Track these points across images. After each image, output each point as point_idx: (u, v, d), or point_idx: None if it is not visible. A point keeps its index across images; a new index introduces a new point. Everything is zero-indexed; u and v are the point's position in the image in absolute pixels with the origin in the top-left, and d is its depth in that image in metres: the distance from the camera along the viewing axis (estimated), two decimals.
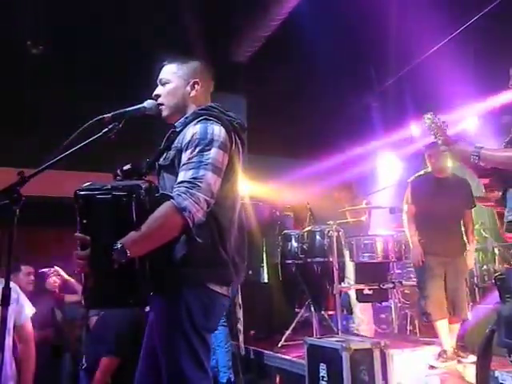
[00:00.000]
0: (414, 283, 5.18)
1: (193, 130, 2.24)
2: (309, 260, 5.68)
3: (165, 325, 2.22)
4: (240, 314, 5.37)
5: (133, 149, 4.69)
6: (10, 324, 3.27)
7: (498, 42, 5.77)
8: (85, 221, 2.10)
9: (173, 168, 2.26)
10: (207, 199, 2.11)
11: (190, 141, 2.21)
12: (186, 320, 2.16)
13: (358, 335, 5.56)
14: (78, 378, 4.93)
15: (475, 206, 4.90)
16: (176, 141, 2.32)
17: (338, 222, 5.64)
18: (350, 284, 5.78)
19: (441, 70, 6.22)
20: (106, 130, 2.26)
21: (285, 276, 6.08)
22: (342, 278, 5.60)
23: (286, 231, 6.18)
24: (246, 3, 7.04)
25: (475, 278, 5.86)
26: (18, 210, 1.97)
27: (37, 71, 6.84)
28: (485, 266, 6.15)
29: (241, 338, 5.40)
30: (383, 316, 6.54)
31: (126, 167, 2.33)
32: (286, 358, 5.00)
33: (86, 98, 6.93)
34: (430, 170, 4.88)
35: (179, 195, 2.08)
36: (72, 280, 5.83)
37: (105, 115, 2.28)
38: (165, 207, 2.07)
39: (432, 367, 4.51)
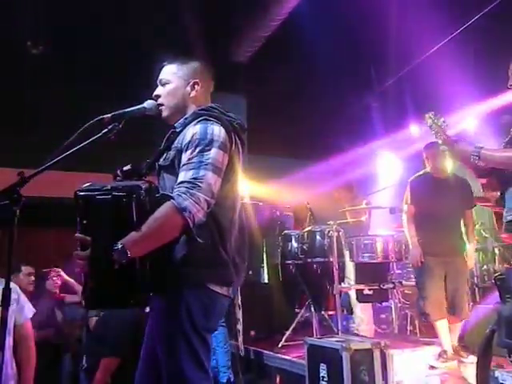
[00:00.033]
0: (414, 283, 5.18)
1: (193, 131, 2.24)
2: (309, 260, 5.68)
3: (165, 325, 2.22)
4: (239, 314, 5.37)
5: (133, 149, 4.70)
6: (11, 324, 3.27)
7: (498, 42, 5.76)
8: (85, 221, 2.10)
9: (173, 168, 2.26)
10: (207, 199, 2.11)
11: (190, 141, 2.21)
12: (186, 320, 2.16)
13: (358, 335, 5.55)
14: (78, 378, 4.94)
15: (475, 205, 4.90)
16: (176, 141, 2.31)
17: (338, 222, 5.64)
18: (350, 284, 5.77)
19: (441, 70, 6.23)
20: (106, 130, 2.26)
21: (285, 276, 6.08)
22: (342, 278, 5.60)
23: (286, 231, 6.17)
24: (245, 3, 7.04)
25: (475, 278, 5.87)
26: (18, 211, 1.97)
27: (37, 71, 6.85)
28: (485, 266, 6.15)
29: (240, 338, 5.40)
30: (383, 316, 6.53)
31: (125, 168, 2.34)
32: (286, 359, 5.00)
33: (86, 98, 6.94)
34: (429, 170, 4.88)
35: (179, 195, 2.07)
36: (72, 281, 5.84)
37: (105, 116, 2.28)
38: (165, 207, 2.07)
39: (432, 367, 4.51)
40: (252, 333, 6.31)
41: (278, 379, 5.12)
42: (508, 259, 6.04)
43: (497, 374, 2.79)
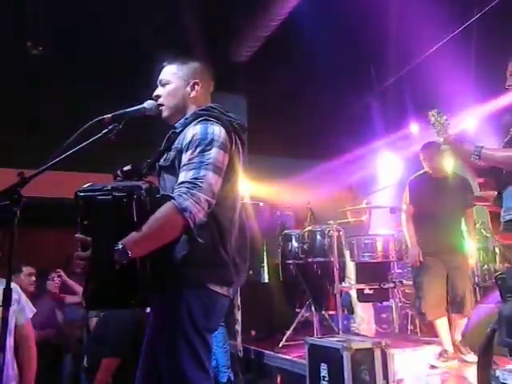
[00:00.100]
0: (412, 283, 5.18)
1: (193, 131, 2.24)
2: (309, 260, 5.68)
3: (165, 325, 2.22)
4: (238, 315, 5.37)
5: (133, 149, 4.70)
6: (12, 324, 3.27)
7: (499, 42, 5.76)
8: (85, 222, 2.10)
9: (173, 169, 2.26)
10: (208, 199, 2.11)
11: (190, 141, 2.21)
12: (186, 320, 2.16)
13: (358, 335, 5.55)
14: (79, 379, 4.94)
15: (475, 204, 4.90)
16: (176, 141, 2.31)
17: (338, 221, 5.64)
18: (350, 284, 5.78)
19: (441, 70, 6.22)
20: (106, 130, 2.26)
21: (285, 276, 6.08)
22: (342, 278, 5.60)
23: (286, 231, 6.17)
24: (245, 3, 7.05)
25: (476, 278, 5.86)
26: (18, 211, 1.97)
27: (37, 72, 6.85)
28: (485, 266, 6.14)
29: (239, 339, 5.40)
30: (384, 316, 6.53)
31: (126, 168, 2.34)
32: (287, 358, 5.00)
33: (86, 98, 6.95)
34: (427, 170, 4.88)
35: (180, 195, 2.07)
36: (72, 282, 5.85)
37: (105, 116, 2.28)
38: (166, 208, 2.07)
39: (433, 367, 4.51)
40: (252, 333, 6.32)
41: (278, 379, 5.12)
42: (509, 258, 6.03)
43: (498, 373, 2.78)
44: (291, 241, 5.91)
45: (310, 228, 5.85)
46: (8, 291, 1.96)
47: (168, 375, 2.19)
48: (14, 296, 3.06)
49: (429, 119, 3.26)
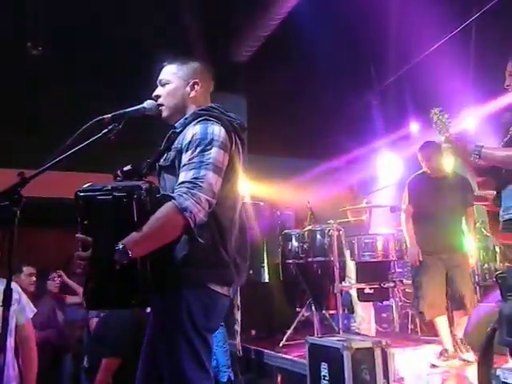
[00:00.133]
0: (411, 282, 5.19)
1: (193, 131, 2.24)
2: (309, 259, 5.68)
3: (166, 325, 2.22)
4: (238, 315, 5.37)
5: (133, 149, 4.70)
6: (12, 325, 3.27)
7: (499, 41, 5.76)
8: (86, 222, 2.10)
9: (173, 169, 2.26)
10: (209, 199, 2.11)
11: (190, 141, 2.21)
12: (186, 320, 2.16)
13: (359, 334, 5.55)
14: (79, 379, 4.94)
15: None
16: (176, 141, 2.31)
17: (338, 221, 5.64)
18: (350, 283, 5.78)
19: (441, 69, 6.22)
20: (106, 130, 2.26)
21: (285, 276, 6.08)
22: (342, 277, 5.60)
23: (286, 231, 6.17)
24: (245, 3, 7.05)
25: (476, 277, 5.85)
26: (18, 211, 1.97)
27: (37, 72, 6.85)
28: (486, 265, 6.13)
29: (238, 339, 5.39)
30: (384, 315, 6.53)
31: (126, 168, 2.34)
32: (288, 358, 5.00)
33: (86, 98, 6.95)
34: (426, 170, 4.88)
35: (180, 195, 2.07)
36: (72, 283, 5.86)
37: (105, 116, 2.28)
38: (166, 208, 2.07)
39: (433, 366, 4.51)
40: (253, 332, 6.32)
41: (279, 378, 5.12)
42: (509, 257, 6.03)
43: (498, 372, 2.78)
44: (291, 240, 5.91)
45: (310, 227, 5.85)
46: (8, 291, 1.96)
47: (168, 375, 2.19)
48: (15, 296, 3.06)
49: (431, 117, 3.26)
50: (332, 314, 5.73)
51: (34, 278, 5.13)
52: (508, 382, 2.71)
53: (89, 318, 5.43)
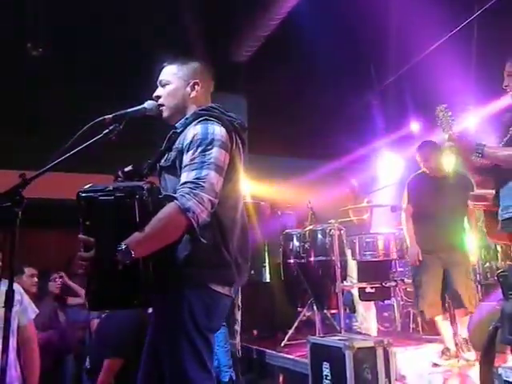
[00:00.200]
0: (411, 281, 5.18)
1: (193, 131, 2.24)
2: (311, 259, 5.67)
3: (167, 325, 2.22)
4: (238, 315, 5.36)
5: (133, 150, 4.70)
6: (14, 325, 3.27)
7: (499, 40, 5.75)
8: (88, 222, 2.10)
9: (174, 169, 2.26)
10: (211, 199, 2.11)
11: (191, 141, 2.21)
12: (188, 320, 2.16)
13: (360, 334, 5.55)
14: (81, 380, 4.94)
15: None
16: (177, 142, 2.32)
17: (339, 220, 5.64)
18: (352, 282, 5.78)
19: (441, 68, 6.22)
20: (107, 131, 2.26)
21: (287, 275, 6.07)
22: (344, 277, 5.60)
23: (287, 230, 6.17)
24: (246, 3, 7.04)
25: (478, 276, 5.85)
26: (20, 212, 1.97)
27: (37, 72, 6.84)
28: (487, 264, 6.12)
29: (237, 339, 5.39)
30: (386, 314, 6.54)
31: (127, 169, 2.34)
32: (289, 357, 5.00)
33: (86, 98, 6.95)
34: (424, 170, 4.88)
35: (183, 196, 2.07)
36: (73, 284, 5.86)
37: (106, 116, 2.28)
38: (169, 208, 2.07)
39: (435, 365, 4.51)
40: (254, 332, 6.32)
41: (280, 378, 5.12)
42: (510, 256, 6.03)
43: (500, 370, 2.78)
44: (292, 240, 5.91)
45: (311, 227, 5.85)
46: (10, 292, 1.96)
47: (170, 375, 2.19)
48: (17, 297, 3.05)
49: (436, 114, 3.27)
50: (333, 314, 5.74)
51: (35, 279, 5.13)
52: (510, 380, 2.70)
53: (90, 319, 5.44)
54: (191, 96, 2.45)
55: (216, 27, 7.07)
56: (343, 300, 5.40)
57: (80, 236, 2.09)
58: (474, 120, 6.91)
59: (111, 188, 2.11)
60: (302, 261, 5.73)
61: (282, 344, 5.41)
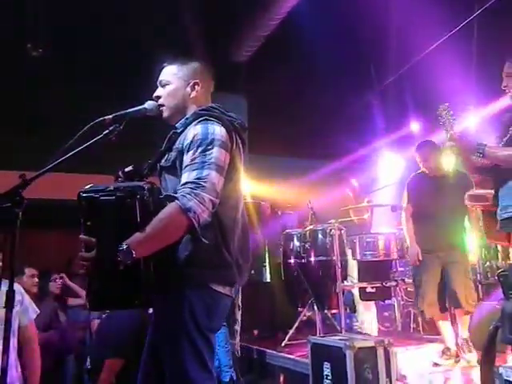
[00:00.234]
0: (412, 281, 5.18)
1: (194, 131, 2.24)
2: (311, 259, 5.67)
3: (168, 325, 2.22)
4: (238, 315, 5.36)
5: (134, 150, 4.70)
6: (15, 325, 3.27)
7: (499, 39, 5.75)
8: (89, 223, 2.10)
9: (174, 169, 2.26)
10: (212, 199, 2.11)
11: (191, 142, 2.21)
12: (189, 320, 2.16)
13: (361, 333, 5.56)
14: (82, 380, 4.94)
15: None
16: (177, 142, 2.31)
17: (339, 220, 5.64)
18: (352, 282, 5.78)
19: (441, 68, 6.22)
20: (107, 131, 2.26)
21: (287, 275, 6.07)
22: (344, 277, 5.60)
23: (287, 230, 6.17)
24: (246, 3, 7.04)
25: (478, 275, 5.85)
26: (20, 213, 1.97)
27: (37, 72, 6.84)
28: (488, 263, 6.11)
29: (237, 339, 5.39)
30: (386, 314, 6.54)
31: (127, 169, 2.34)
32: (290, 357, 5.00)
33: (86, 98, 6.95)
34: (424, 170, 4.88)
35: (184, 196, 2.07)
36: (74, 284, 5.86)
37: (106, 117, 2.28)
38: (170, 208, 2.07)
39: (436, 365, 4.51)
40: (255, 332, 6.32)
41: (281, 378, 5.12)
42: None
43: (501, 370, 2.78)
44: (293, 240, 5.91)
45: (311, 227, 5.85)
46: (11, 292, 1.96)
47: (171, 376, 2.19)
48: (17, 297, 3.06)
49: (439, 113, 3.27)
50: (334, 314, 5.74)
51: (36, 280, 5.12)
52: (511, 379, 2.70)
53: (91, 320, 5.44)
54: (191, 96, 2.45)
55: (216, 27, 7.06)
56: (344, 300, 5.41)
57: (81, 236, 2.09)
58: (474, 120, 6.91)
59: (112, 188, 2.11)
60: (303, 261, 5.73)
61: (283, 344, 5.41)
